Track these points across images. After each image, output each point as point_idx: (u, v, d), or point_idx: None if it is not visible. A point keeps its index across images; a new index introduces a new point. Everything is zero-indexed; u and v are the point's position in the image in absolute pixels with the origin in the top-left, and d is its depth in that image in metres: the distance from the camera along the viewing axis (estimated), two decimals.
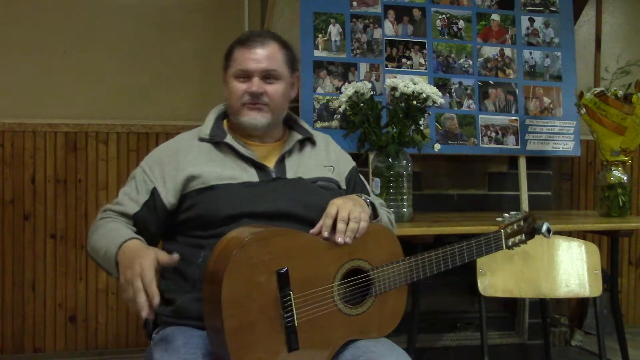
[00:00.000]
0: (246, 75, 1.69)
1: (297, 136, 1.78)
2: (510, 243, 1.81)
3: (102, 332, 3.24)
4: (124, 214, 1.63)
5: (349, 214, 1.51)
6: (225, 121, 1.79)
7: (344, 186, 1.80)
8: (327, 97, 2.72)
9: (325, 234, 1.50)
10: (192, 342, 1.48)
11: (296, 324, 1.42)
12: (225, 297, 1.33)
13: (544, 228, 1.85)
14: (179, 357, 1.42)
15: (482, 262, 2.16)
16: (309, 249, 1.47)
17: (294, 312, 1.41)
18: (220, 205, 1.58)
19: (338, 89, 2.71)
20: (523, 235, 1.83)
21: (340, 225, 1.50)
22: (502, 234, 1.79)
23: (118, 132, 3.25)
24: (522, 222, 1.83)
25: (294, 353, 1.41)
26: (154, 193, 1.64)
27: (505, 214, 1.84)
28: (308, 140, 1.80)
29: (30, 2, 3.19)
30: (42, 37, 3.20)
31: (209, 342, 1.44)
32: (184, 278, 1.58)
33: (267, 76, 1.69)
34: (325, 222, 1.51)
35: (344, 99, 2.50)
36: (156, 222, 1.65)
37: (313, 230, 1.53)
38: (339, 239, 1.49)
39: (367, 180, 2.49)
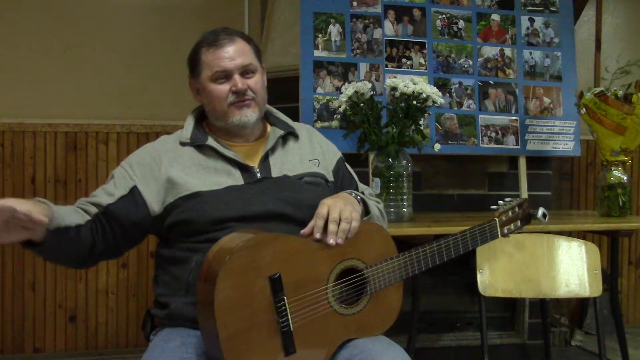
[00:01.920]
0: (225, 76, 1.66)
1: (279, 132, 1.75)
2: (505, 231, 1.79)
3: (102, 332, 3.24)
4: (95, 204, 1.58)
5: (340, 214, 1.50)
6: (204, 124, 1.75)
7: (331, 179, 1.77)
8: (327, 97, 2.72)
9: (317, 235, 1.49)
10: (189, 342, 1.48)
11: (292, 328, 1.41)
12: (218, 305, 1.33)
13: (540, 213, 1.84)
14: (176, 357, 1.42)
15: (481, 262, 2.16)
16: (300, 252, 1.46)
17: (289, 316, 1.41)
18: (208, 212, 1.56)
19: (338, 89, 2.71)
20: (519, 221, 1.82)
21: (332, 227, 1.49)
22: (497, 222, 1.77)
23: (118, 132, 3.25)
24: (517, 209, 1.82)
25: (291, 357, 1.41)
26: (133, 191, 1.60)
27: (500, 202, 1.83)
28: (290, 134, 1.77)
29: (30, 2, 3.19)
30: (42, 37, 3.20)
31: (205, 349, 1.43)
32: (178, 281, 1.57)
33: (245, 71, 1.67)
34: (316, 223, 1.50)
35: (344, 99, 2.50)
36: (132, 220, 1.59)
37: (304, 231, 1.52)
38: (331, 240, 1.48)
39: (367, 180, 2.50)
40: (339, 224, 1.49)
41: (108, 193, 1.60)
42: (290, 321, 1.41)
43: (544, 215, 1.84)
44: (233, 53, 1.66)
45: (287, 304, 1.41)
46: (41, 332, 3.18)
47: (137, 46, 3.30)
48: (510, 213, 1.80)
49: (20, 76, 3.18)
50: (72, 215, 1.52)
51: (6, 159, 3.14)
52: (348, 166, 1.88)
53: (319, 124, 2.69)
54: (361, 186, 1.87)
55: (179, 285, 1.57)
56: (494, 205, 1.83)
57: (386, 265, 1.57)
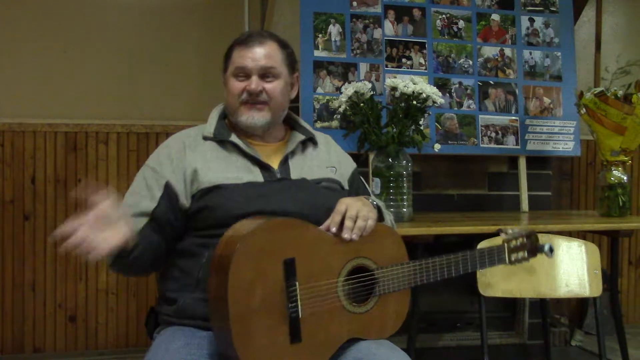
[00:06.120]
0: (245, 74, 1.68)
1: (300, 137, 1.77)
2: (512, 258, 1.80)
3: (102, 332, 3.24)
4: (139, 214, 1.58)
5: (357, 212, 1.53)
6: (226, 120, 1.78)
7: (346, 187, 1.80)
8: (327, 97, 2.72)
9: (334, 229, 1.51)
10: (194, 342, 1.47)
11: (300, 316, 1.42)
12: (231, 283, 1.34)
13: (547, 247, 1.84)
14: (179, 357, 1.42)
15: None
16: (316, 241, 1.48)
17: (299, 303, 1.42)
18: (228, 205, 1.57)
19: (338, 89, 2.71)
20: (525, 252, 1.82)
21: (348, 223, 1.51)
22: (506, 247, 1.78)
23: (118, 132, 3.25)
24: (524, 239, 1.82)
25: (296, 345, 1.41)
26: (167, 186, 1.61)
27: (509, 230, 1.83)
28: (310, 140, 1.80)
29: (30, 2, 3.19)
30: (42, 37, 3.20)
31: (212, 330, 1.43)
32: (188, 276, 1.58)
33: (266, 74, 1.68)
34: (334, 219, 1.52)
35: (344, 99, 2.50)
36: (176, 216, 1.61)
37: (321, 227, 1.53)
38: (346, 235, 1.50)
39: (367, 180, 2.50)
40: (355, 221, 1.52)
41: (145, 197, 1.61)
42: (300, 308, 1.42)
43: (551, 250, 1.84)
44: (258, 54, 1.67)
45: (298, 291, 1.42)
46: (41, 332, 3.18)
47: (137, 46, 3.30)
48: (517, 242, 1.81)
49: (20, 76, 3.18)
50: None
51: (6, 159, 3.14)
52: (362, 179, 1.91)
53: (319, 124, 2.69)
54: (374, 199, 1.88)
55: (188, 281, 1.57)
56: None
57: (397, 269, 1.58)
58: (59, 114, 3.20)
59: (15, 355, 3.15)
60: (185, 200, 1.61)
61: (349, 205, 1.54)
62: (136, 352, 3.16)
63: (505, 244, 1.79)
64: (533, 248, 1.84)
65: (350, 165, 1.87)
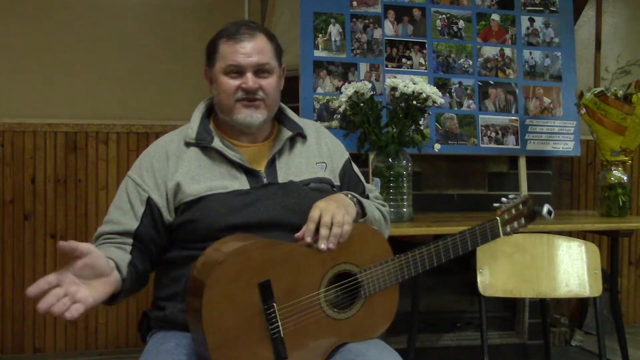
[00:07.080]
0: (238, 71, 1.61)
1: (287, 133, 1.70)
2: (508, 229, 1.75)
3: (102, 332, 3.24)
4: (124, 233, 1.55)
5: (332, 218, 1.46)
6: (211, 120, 1.71)
7: (337, 183, 1.74)
8: (327, 97, 2.72)
9: (308, 239, 1.46)
10: (184, 343, 1.47)
11: (282, 335, 1.39)
12: (206, 313, 1.32)
13: (545, 210, 1.78)
14: (172, 358, 1.43)
15: (481, 262, 2.16)
16: (291, 257, 1.44)
17: (279, 322, 1.39)
18: (213, 218, 1.53)
19: (338, 89, 2.71)
20: (523, 219, 1.77)
21: (323, 231, 1.45)
22: (499, 221, 1.73)
23: (118, 132, 3.25)
24: (520, 206, 1.77)
25: None
26: (149, 202, 1.57)
27: (503, 199, 1.77)
28: (298, 134, 1.72)
29: (30, 2, 3.19)
30: (42, 37, 3.20)
31: (197, 355, 1.43)
32: (177, 286, 1.56)
33: (260, 70, 1.61)
34: (308, 227, 1.47)
35: (344, 99, 2.50)
36: (159, 234, 1.58)
37: (298, 235, 1.49)
38: (322, 246, 1.45)
39: (367, 180, 2.50)
40: (330, 228, 1.46)
41: (130, 216, 1.57)
42: (281, 327, 1.39)
43: (549, 212, 1.78)
44: (250, 50, 1.60)
45: (277, 311, 1.39)
46: (41, 332, 3.18)
47: (136, 46, 3.30)
48: (513, 211, 1.76)
49: (21, 76, 3.18)
50: (119, 253, 1.50)
51: (6, 159, 3.14)
52: (355, 167, 1.84)
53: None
54: (368, 187, 1.84)
55: (176, 290, 1.56)
56: (496, 203, 1.79)
57: (381, 268, 1.54)
58: (59, 114, 3.20)
59: (15, 355, 3.15)
60: (168, 215, 1.57)
61: (323, 211, 1.47)
62: (135, 352, 3.15)
63: (498, 217, 1.73)
64: (530, 213, 1.79)
65: (341, 157, 1.79)
